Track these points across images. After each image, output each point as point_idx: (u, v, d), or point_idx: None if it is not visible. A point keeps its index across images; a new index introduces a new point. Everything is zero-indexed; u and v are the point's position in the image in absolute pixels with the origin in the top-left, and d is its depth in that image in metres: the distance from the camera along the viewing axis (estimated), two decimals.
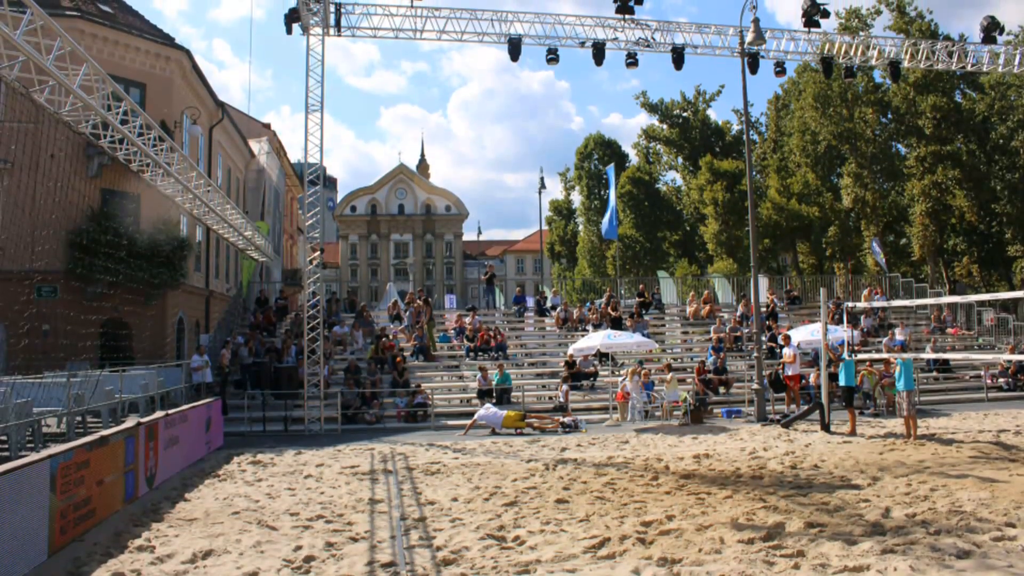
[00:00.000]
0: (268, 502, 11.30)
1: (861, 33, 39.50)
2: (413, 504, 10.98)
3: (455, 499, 11.24)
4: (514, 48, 21.80)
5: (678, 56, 22.89)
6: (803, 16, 23.04)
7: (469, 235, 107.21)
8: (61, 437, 16.24)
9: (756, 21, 21.12)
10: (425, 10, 21.23)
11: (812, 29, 23.51)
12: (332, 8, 20.62)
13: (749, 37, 21.38)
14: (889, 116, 49.46)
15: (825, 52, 24.37)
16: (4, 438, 14.94)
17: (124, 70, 27.20)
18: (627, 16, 22.16)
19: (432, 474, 13.51)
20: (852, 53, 24.72)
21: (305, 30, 20.35)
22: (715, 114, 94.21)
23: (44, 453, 9.35)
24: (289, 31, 20.37)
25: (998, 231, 45.77)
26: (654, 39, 22.83)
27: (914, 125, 46.57)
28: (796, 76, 52.68)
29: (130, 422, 12.54)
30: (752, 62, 23.11)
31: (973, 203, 44.89)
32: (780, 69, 24.59)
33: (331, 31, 20.79)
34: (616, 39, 22.62)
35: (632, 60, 23.10)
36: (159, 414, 13.98)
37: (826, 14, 23.05)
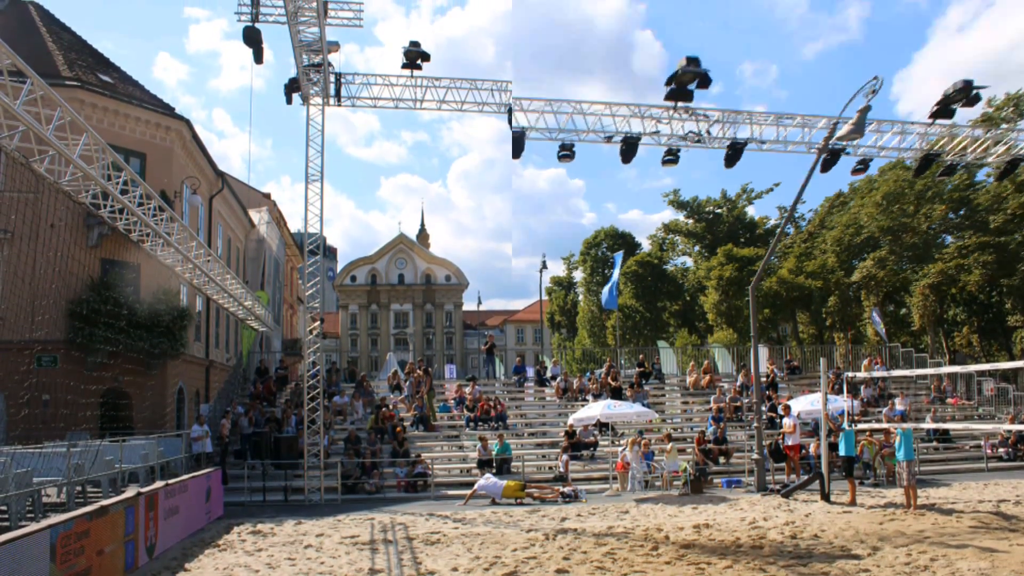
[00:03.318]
0: (268, 572, 11.27)
1: (1004, 125, 35.47)
2: (413, 574, 10.95)
3: (455, 569, 11.20)
4: (517, 144, 20.22)
5: (735, 152, 20.33)
6: (938, 104, 19.80)
7: (469, 305, 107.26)
8: (61, 507, 16.20)
9: (866, 110, 17.81)
10: (425, 80, 20.90)
11: (938, 120, 20.35)
12: (332, 78, 20.47)
13: (843, 130, 18.14)
14: (962, 212, 45.70)
15: (938, 147, 21.21)
16: (4, 508, 14.91)
17: (124, 140, 27.46)
18: (680, 104, 19.44)
19: (432, 544, 13.46)
20: (973, 149, 21.59)
21: (305, 100, 20.43)
22: (754, 210, 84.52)
23: (44, 523, 9.37)
24: (289, 101, 20.38)
25: (998, 301, 45.87)
26: (709, 133, 20.02)
27: (983, 220, 43.44)
28: (878, 173, 48.37)
29: (130, 492, 12.53)
30: (830, 159, 20.46)
31: (982, 276, 44.35)
32: (862, 166, 21.71)
33: (331, 101, 20.70)
34: (657, 132, 19.96)
35: (671, 157, 20.48)
36: (159, 484, 13.97)
37: (976, 99, 19.80)
